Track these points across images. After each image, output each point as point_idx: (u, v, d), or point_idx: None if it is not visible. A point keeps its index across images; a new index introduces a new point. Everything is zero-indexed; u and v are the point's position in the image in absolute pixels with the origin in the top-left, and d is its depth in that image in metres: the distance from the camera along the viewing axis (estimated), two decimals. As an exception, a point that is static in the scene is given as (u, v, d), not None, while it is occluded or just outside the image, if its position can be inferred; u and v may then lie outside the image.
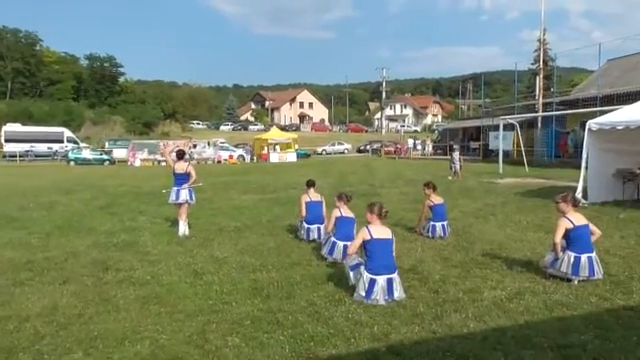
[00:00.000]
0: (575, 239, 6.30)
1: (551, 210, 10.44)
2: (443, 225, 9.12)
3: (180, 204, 9.63)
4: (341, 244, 7.30)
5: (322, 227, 8.72)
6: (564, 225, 6.33)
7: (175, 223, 9.89)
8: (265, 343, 4.58)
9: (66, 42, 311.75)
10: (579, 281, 6.13)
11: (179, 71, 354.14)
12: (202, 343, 4.59)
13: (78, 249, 8.51)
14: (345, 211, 7.80)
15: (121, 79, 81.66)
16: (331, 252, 7.41)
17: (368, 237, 5.84)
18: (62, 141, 47.86)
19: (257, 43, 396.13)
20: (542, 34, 43.55)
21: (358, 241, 5.93)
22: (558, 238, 6.33)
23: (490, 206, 13.07)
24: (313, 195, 9.17)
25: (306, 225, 8.90)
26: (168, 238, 9.36)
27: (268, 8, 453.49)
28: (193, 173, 9.72)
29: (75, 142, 48.47)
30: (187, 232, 9.57)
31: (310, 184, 9.32)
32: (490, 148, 37.96)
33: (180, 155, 9.96)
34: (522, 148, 28.33)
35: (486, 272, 6.80)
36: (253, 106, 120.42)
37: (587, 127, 12.72)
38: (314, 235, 8.80)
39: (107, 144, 49.47)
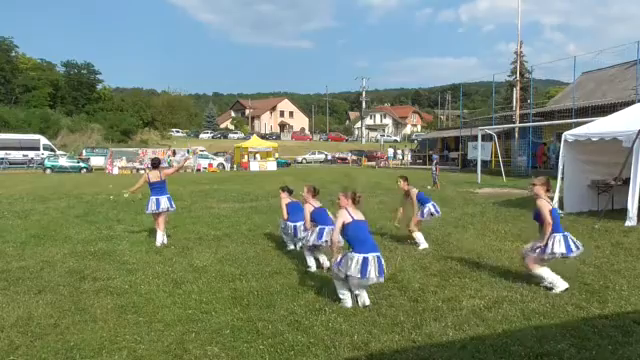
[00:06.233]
0: (555, 219, 6.46)
1: (528, 220, 10.57)
2: (433, 204, 9.46)
3: (159, 213, 9.53)
4: (327, 227, 7.36)
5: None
6: (547, 206, 6.45)
7: (153, 232, 9.79)
8: (245, 352, 4.55)
9: (42, 49, 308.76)
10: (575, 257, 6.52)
11: (158, 79, 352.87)
12: (181, 353, 4.55)
13: (54, 258, 8.38)
14: (316, 203, 7.86)
15: (99, 86, 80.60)
16: (320, 236, 7.41)
17: (349, 219, 5.85)
18: (38, 149, 47.05)
19: (237, 52, 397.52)
20: (519, 47, 44.29)
21: (339, 223, 5.91)
22: (550, 218, 6.40)
23: (469, 215, 13.20)
24: (291, 198, 9.14)
25: (291, 223, 8.80)
26: (146, 247, 9.27)
27: (248, 17, 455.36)
28: (169, 171, 9.84)
29: (52, 150, 47.70)
30: (165, 241, 9.47)
31: (285, 190, 9.19)
32: (469, 158, 38.37)
33: (155, 164, 9.88)
34: (500, 158, 28.70)
35: (465, 281, 6.86)
36: (233, 114, 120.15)
37: (563, 138, 12.95)
38: (300, 231, 8.65)
39: (84, 152, 48.87)
